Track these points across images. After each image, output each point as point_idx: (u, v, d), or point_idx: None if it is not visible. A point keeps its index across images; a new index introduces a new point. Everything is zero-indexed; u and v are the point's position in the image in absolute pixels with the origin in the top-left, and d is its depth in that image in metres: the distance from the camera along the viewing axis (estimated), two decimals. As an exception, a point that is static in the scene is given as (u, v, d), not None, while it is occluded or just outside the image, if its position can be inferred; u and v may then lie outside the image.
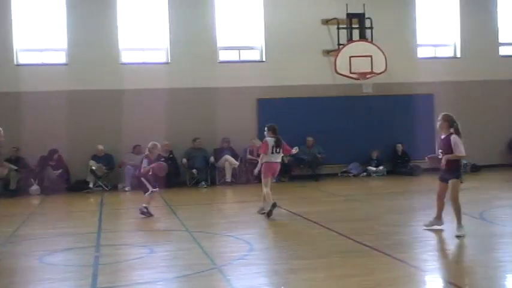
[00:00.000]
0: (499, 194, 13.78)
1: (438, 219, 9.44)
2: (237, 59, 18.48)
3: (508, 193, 14.15)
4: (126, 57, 17.69)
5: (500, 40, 19.82)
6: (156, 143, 12.06)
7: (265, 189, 11.24)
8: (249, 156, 17.54)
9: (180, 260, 7.82)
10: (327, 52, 18.29)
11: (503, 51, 19.91)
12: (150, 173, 11.72)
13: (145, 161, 11.84)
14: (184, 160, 17.25)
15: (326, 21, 18.27)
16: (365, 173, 18.35)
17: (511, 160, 19.16)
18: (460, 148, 8.91)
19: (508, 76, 19.53)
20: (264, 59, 18.39)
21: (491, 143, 19.19)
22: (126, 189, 16.38)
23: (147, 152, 12.02)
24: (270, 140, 11.35)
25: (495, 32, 19.72)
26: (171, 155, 16.98)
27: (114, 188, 16.76)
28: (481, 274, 7.07)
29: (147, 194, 11.73)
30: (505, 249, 8.27)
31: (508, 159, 19.38)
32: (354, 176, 18.31)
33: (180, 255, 7.94)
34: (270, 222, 10.83)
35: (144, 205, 11.61)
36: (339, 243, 8.81)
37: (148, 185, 11.74)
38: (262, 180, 11.40)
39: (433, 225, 9.44)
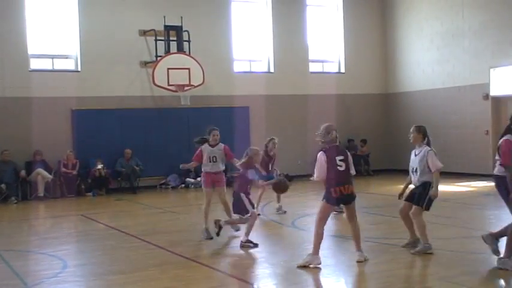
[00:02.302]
0: (308, 202, 14.52)
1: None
2: (50, 67, 17.72)
3: (316, 201, 14.95)
4: None
5: (310, 57, 21.07)
6: (256, 148, 9.89)
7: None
8: (63, 169, 16.90)
9: (-14, 282, 7.30)
10: (145, 63, 18.20)
11: (312, 67, 21.18)
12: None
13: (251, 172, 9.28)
14: (-9, 174, 16.17)
15: (144, 32, 18.18)
16: (183, 185, 18.46)
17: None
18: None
19: (316, 91, 20.78)
20: (79, 69, 17.81)
21: (302, 154, 20.21)
22: None
23: (244, 159, 9.48)
24: None
25: (305, 50, 20.91)
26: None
27: None
28: (291, 280, 7.41)
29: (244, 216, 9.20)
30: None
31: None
32: (172, 188, 18.34)
33: (-15, 277, 7.41)
34: (86, 238, 10.54)
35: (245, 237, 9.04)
36: (157, 256, 8.77)
37: (248, 205, 9.23)
38: None
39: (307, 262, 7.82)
